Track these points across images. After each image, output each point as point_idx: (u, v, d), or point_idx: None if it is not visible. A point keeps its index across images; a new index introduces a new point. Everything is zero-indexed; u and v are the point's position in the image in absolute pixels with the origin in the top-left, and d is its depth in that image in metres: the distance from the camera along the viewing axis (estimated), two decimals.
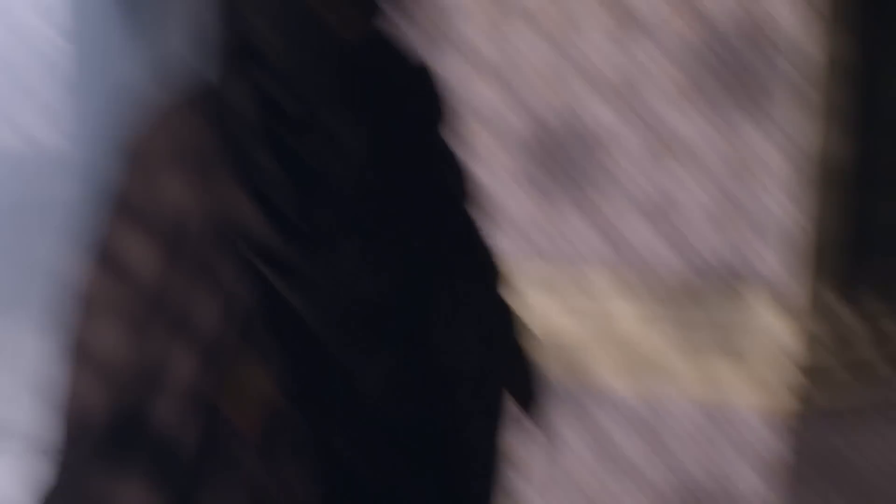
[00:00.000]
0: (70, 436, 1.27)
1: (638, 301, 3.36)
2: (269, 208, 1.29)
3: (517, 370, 1.55)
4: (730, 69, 3.23)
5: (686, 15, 3.26)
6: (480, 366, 1.44)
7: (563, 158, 3.48)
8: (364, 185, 1.35)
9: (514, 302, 1.56)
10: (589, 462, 3.45)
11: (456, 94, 3.47)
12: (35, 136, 9.75)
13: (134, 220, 1.30)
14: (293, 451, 1.29)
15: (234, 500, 1.28)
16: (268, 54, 1.32)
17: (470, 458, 1.44)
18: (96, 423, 1.26)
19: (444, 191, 1.47)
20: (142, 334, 1.27)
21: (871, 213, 3.24)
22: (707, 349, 3.27)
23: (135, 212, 1.30)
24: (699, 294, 3.27)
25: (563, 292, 3.46)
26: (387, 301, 1.35)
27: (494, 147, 3.53)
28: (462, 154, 1.52)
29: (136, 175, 1.32)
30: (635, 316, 3.38)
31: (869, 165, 3.21)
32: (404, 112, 1.42)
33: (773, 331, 3.15)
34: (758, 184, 3.18)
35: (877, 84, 3.21)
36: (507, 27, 3.50)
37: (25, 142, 9.75)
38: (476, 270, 1.49)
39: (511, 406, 1.51)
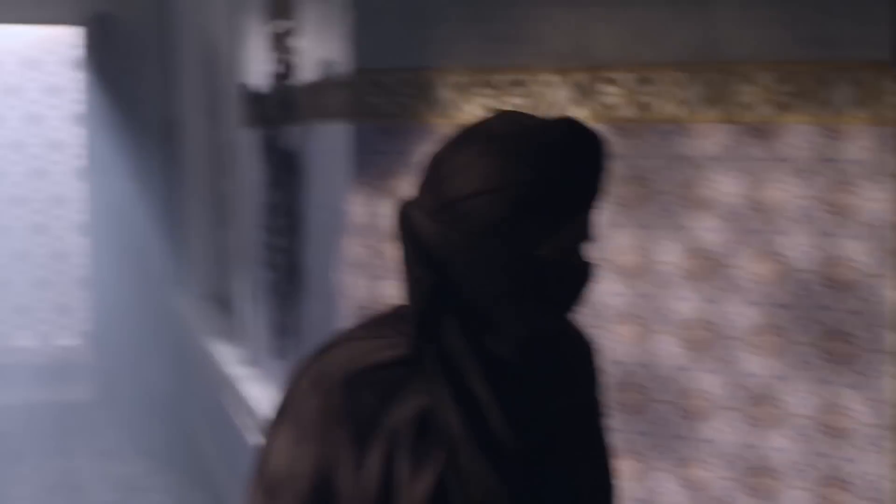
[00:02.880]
0: None
1: None
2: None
3: None
4: (813, 317, 3.29)
5: (768, 262, 3.26)
6: None
7: (647, 409, 3.37)
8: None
9: None
10: None
11: None
12: (50, 334, 9.78)
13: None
14: None
15: None
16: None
17: None
18: None
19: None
20: None
21: None
22: None
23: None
24: None
25: None
26: None
27: None
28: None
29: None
30: None
31: None
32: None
33: None
34: (846, 440, 3.05)
35: None
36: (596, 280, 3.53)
37: (41, 341, 9.77)
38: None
39: None
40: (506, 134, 1.52)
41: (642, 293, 3.49)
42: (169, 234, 8.62)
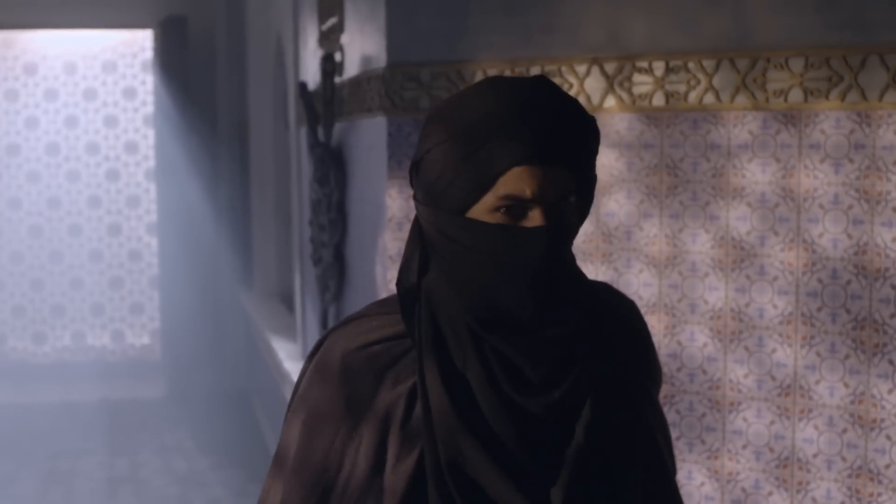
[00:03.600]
0: None
1: None
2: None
3: None
4: (844, 306, 3.24)
5: (799, 250, 3.25)
6: None
7: (676, 400, 3.44)
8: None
9: None
10: None
11: None
12: (124, 333, 9.95)
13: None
14: None
15: None
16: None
17: None
18: None
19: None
20: None
21: None
22: None
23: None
24: None
25: None
26: None
27: None
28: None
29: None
30: None
31: None
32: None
33: None
34: (876, 430, 3.00)
35: None
36: (624, 269, 3.54)
37: (115, 340, 9.94)
38: None
39: None
40: (452, 100, 1.50)
41: (671, 283, 3.46)
42: (237, 234, 8.73)
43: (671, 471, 1.65)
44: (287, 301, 7.56)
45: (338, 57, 4.66)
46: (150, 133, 9.80)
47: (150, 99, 9.72)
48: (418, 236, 1.54)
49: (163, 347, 9.19)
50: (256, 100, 8.26)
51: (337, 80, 4.71)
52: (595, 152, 1.48)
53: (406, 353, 1.54)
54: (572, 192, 1.45)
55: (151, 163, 9.83)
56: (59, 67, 10.08)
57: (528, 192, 1.41)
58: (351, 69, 4.47)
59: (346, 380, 1.54)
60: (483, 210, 1.44)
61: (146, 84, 10.02)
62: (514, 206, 1.42)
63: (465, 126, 1.43)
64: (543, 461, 1.47)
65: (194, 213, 8.61)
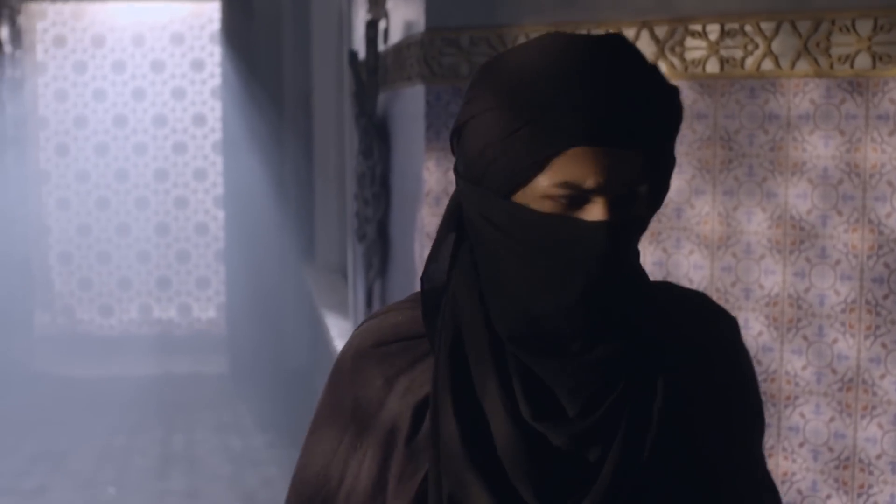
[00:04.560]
0: None
1: None
2: None
3: None
4: None
5: (864, 231, 3.00)
6: None
7: None
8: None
9: None
10: None
11: None
12: (190, 307, 9.87)
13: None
14: None
15: None
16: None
17: None
18: None
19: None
20: None
21: None
22: None
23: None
24: None
25: None
26: None
27: None
28: None
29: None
30: None
31: None
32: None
33: None
34: None
35: None
36: (674, 249, 3.29)
37: (181, 314, 9.87)
38: None
39: None
40: (509, 54, 1.24)
41: (725, 266, 3.19)
42: (301, 207, 8.58)
43: None
44: (346, 276, 7.41)
45: (384, 24, 4.44)
46: (218, 105, 9.68)
47: (218, 71, 9.59)
48: (455, 216, 1.30)
49: (228, 322, 9.09)
50: (320, 71, 8.10)
51: (383, 47, 4.49)
52: (676, 131, 1.20)
53: (425, 357, 1.32)
54: (644, 180, 1.17)
55: (218, 135, 9.71)
56: (128, 39, 10.00)
57: (589, 180, 1.15)
58: (395, 36, 4.25)
59: (355, 382, 1.35)
60: (533, 195, 1.18)
61: (214, 56, 9.90)
62: (573, 195, 1.16)
63: (517, 91, 1.17)
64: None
65: (260, 187, 8.47)
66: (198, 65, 10.05)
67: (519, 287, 1.21)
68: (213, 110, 9.93)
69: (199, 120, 10.11)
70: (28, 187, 9.27)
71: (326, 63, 7.91)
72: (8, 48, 8.73)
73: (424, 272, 1.31)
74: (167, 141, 10.08)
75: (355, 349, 1.36)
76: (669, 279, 3.22)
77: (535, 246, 1.18)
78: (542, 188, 1.16)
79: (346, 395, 1.35)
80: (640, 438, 1.20)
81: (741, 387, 1.36)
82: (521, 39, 3.43)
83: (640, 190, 1.17)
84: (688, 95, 3.21)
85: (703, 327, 1.36)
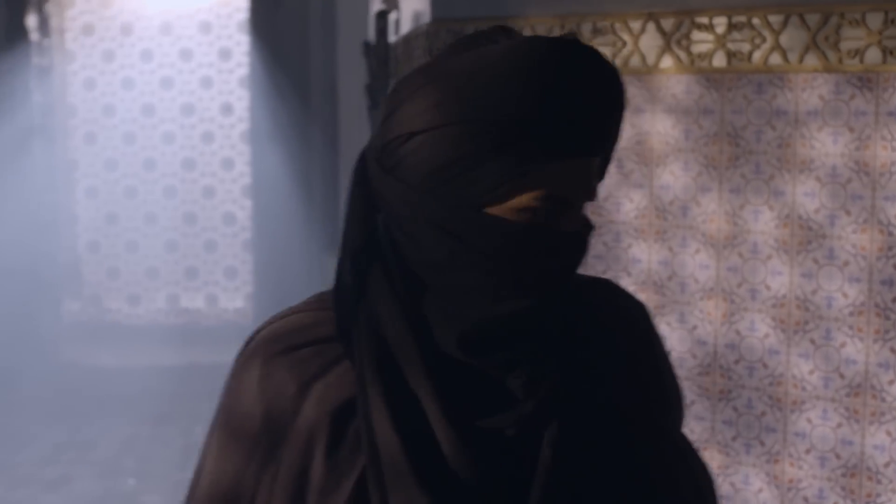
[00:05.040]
0: None
1: None
2: None
3: None
4: None
5: (873, 232, 2.91)
6: None
7: (733, 396, 3.10)
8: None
9: None
10: None
11: None
12: (217, 297, 9.88)
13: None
14: None
15: None
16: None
17: None
18: None
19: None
20: None
21: None
22: None
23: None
24: None
25: None
26: None
27: None
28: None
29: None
30: None
31: None
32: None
33: None
34: None
35: None
36: (679, 248, 3.19)
37: (209, 304, 9.88)
38: None
39: None
40: (457, 59, 1.19)
41: (731, 265, 3.10)
42: (328, 197, 8.54)
43: None
44: None
45: (395, 15, 4.38)
46: (245, 95, 9.65)
47: (246, 60, 9.56)
48: (367, 217, 1.25)
49: (255, 312, 9.07)
50: (346, 62, 8.05)
51: (394, 38, 4.43)
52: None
53: (339, 361, 1.26)
54: (598, 182, 1.23)
55: (246, 125, 9.68)
56: (155, 28, 9.99)
57: (568, 191, 1.17)
58: (405, 27, 4.19)
59: (265, 391, 1.28)
60: (509, 207, 1.17)
61: (241, 45, 9.87)
62: (550, 206, 1.17)
63: (490, 105, 1.14)
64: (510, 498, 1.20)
65: (287, 176, 8.44)
66: (225, 54, 10.03)
67: (481, 294, 1.18)
68: (241, 100, 9.90)
69: (227, 109, 10.08)
70: (56, 176, 9.28)
71: (352, 53, 7.86)
72: (35, 36, 8.74)
73: (338, 283, 1.25)
74: (195, 130, 10.06)
75: (263, 355, 1.29)
76: (675, 279, 3.14)
77: (509, 256, 1.16)
78: (520, 200, 1.15)
79: (256, 406, 1.27)
80: (577, 432, 1.22)
81: (652, 368, 1.37)
82: (527, 31, 3.36)
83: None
84: (694, 90, 3.12)
85: (616, 314, 1.37)
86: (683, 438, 1.36)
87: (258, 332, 1.34)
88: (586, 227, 1.22)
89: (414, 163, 1.18)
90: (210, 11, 9.97)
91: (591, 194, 1.19)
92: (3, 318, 8.07)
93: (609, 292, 1.41)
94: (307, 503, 1.23)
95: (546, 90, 1.13)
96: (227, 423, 1.30)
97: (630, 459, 1.26)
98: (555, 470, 1.19)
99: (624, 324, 1.38)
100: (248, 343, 1.34)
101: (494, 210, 1.16)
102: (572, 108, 1.13)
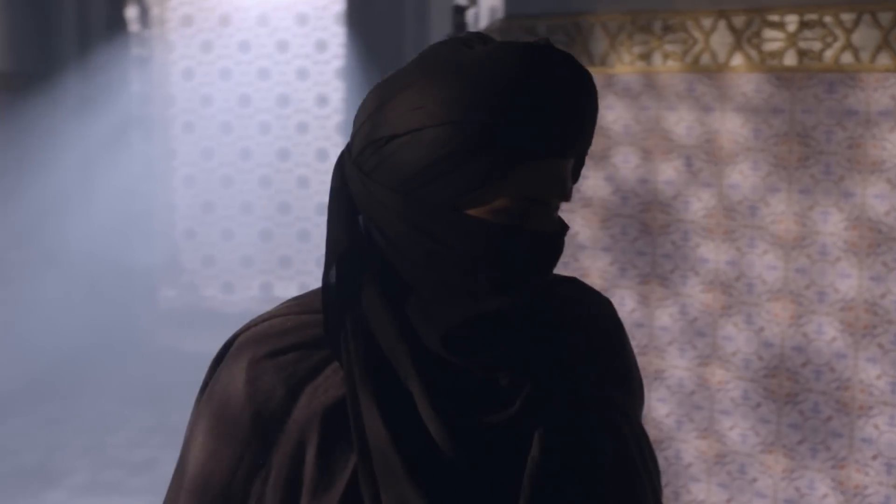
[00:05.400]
0: None
1: None
2: None
3: None
4: None
5: None
6: None
7: (799, 399, 3.03)
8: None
9: None
10: None
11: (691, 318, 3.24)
12: (272, 286, 9.97)
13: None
14: None
15: None
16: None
17: None
18: None
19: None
20: None
21: None
22: None
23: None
24: None
25: None
26: None
27: (730, 382, 3.14)
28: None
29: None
30: None
31: None
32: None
33: None
34: None
35: None
36: (747, 249, 3.17)
37: (264, 292, 9.97)
38: None
39: None
40: (435, 63, 1.20)
41: (799, 267, 3.06)
42: None
43: (650, 499, 1.35)
44: None
45: (474, 11, 4.39)
46: (341, 86, 9.73)
47: (342, 52, 9.63)
48: (351, 219, 1.27)
49: None
50: None
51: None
52: None
53: (326, 364, 1.28)
54: (573, 182, 1.25)
55: (341, 117, 9.77)
56: (253, 19, 10.11)
57: (546, 192, 1.19)
58: (483, 22, 4.19)
59: (254, 395, 1.28)
60: (489, 208, 1.19)
61: (337, 37, 9.94)
62: (528, 206, 1.19)
63: (471, 106, 1.16)
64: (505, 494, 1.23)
65: None
66: (321, 45, 10.11)
67: (458, 293, 1.21)
68: (336, 91, 9.98)
69: (322, 101, 10.17)
70: (154, 165, 9.46)
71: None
72: (135, 27, 8.91)
73: (325, 286, 1.27)
74: (290, 121, 10.16)
75: (248, 359, 1.29)
76: (742, 279, 3.11)
77: (489, 256, 1.19)
78: (499, 202, 1.18)
79: (244, 410, 1.27)
80: (557, 422, 1.25)
81: (615, 358, 1.40)
82: (597, 28, 3.34)
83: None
84: (764, 89, 3.08)
85: (587, 311, 1.40)
86: (643, 428, 1.40)
87: (237, 335, 1.34)
88: (562, 228, 1.24)
89: (392, 165, 1.20)
90: (307, 3, 10.06)
91: (566, 195, 1.21)
92: (100, 304, 8.25)
93: (577, 290, 1.43)
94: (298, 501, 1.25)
95: (520, 94, 1.15)
96: (215, 426, 1.30)
97: (609, 451, 1.29)
98: (544, 465, 1.22)
99: (594, 320, 1.40)
100: (227, 346, 1.34)
101: (472, 211, 1.19)
102: (546, 112, 1.15)
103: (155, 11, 9.77)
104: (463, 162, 1.16)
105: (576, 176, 1.26)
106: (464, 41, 1.22)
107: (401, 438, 1.19)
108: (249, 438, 1.27)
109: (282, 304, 1.36)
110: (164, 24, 10.07)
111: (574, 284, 1.43)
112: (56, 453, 6.14)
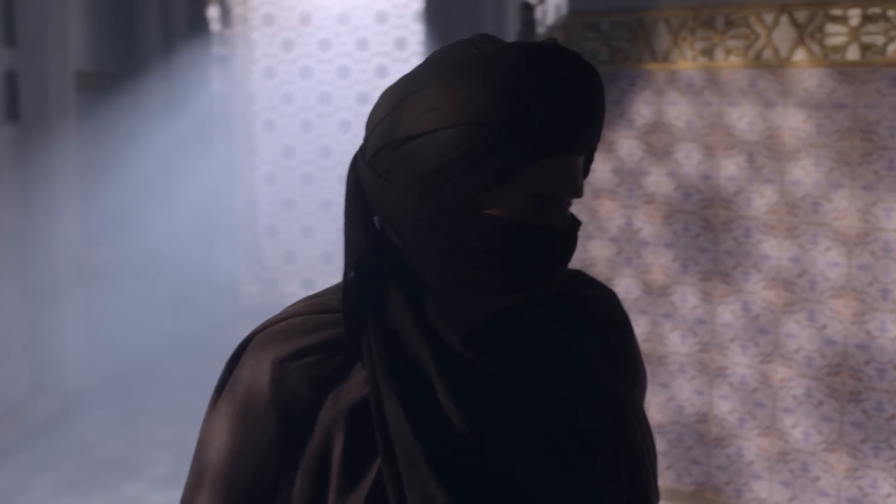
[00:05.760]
0: None
1: None
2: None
3: None
4: None
5: None
6: None
7: (863, 398, 3.04)
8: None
9: None
10: None
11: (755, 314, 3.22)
12: (314, 282, 10.02)
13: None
14: None
15: None
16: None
17: None
18: None
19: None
20: None
21: None
22: None
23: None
24: None
25: None
26: None
27: (792, 379, 3.11)
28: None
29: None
30: None
31: None
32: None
33: None
34: None
35: None
36: (809, 245, 3.15)
37: (307, 289, 10.03)
38: None
39: None
40: (446, 66, 1.22)
41: (862, 264, 3.02)
42: None
43: (654, 484, 1.37)
44: None
45: (542, 8, 4.40)
46: None
47: (420, 50, 9.69)
48: (368, 221, 1.28)
49: None
50: None
51: (541, 31, 4.44)
52: None
53: (349, 363, 1.28)
54: (584, 178, 1.26)
55: None
56: (333, 18, 10.19)
57: (559, 189, 1.20)
58: (550, 19, 4.20)
59: (279, 396, 1.28)
60: (503, 206, 1.21)
61: (416, 35, 9.99)
62: (541, 204, 1.21)
63: (485, 107, 1.18)
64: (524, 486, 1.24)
65: None
66: (400, 43, 10.17)
67: (474, 290, 1.22)
68: None
69: None
70: (235, 162, 9.59)
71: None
72: (216, 27, 9.04)
73: (344, 278, 1.28)
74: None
75: (272, 360, 1.29)
76: (805, 276, 3.08)
77: (504, 253, 1.20)
78: (514, 199, 1.19)
79: (270, 411, 1.28)
80: (569, 410, 1.27)
81: (623, 349, 1.41)
82: (660, 24, 3.33)
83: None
84: (826, 84, 3.05)
85: (595, 303, 1.41)
86: (646, 417, 1.41)
87: (255, 334, 1.34)
88: (574, 223, 1.25)
89: (408, 166, 1.22)
90: (386, 2, 10.12)
91: (577, 191, 1.22)
92: (181, 301, 8.39)
93: (584, 283, 1.44)
94: (327, 503, 1.26)
95: (530, 95, 1.16)
96: (240, 427, 1.31)
97: (620, 444, 1.31)
98: (563, 460, 1.23)
99: (603, 314, 1.42)
100: (244, 346, 1.34)
101: (486, 209, 1.20)
102: (557, 111, 1.17)
103: (237, 11, 9.90)
104: (477, 162, 1.18)
105: (586, 171, 1.28)
106: (472, 42, 1.24)
107: (425, 436, 1.21)
108: (276, 439, 1.28)
109: (296, 303, 1.36)
110: (246, 23, 10.20)
111: (580, 278, 1.45)
112: (136, 446, 6.26)
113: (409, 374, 1.24)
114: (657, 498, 1.40)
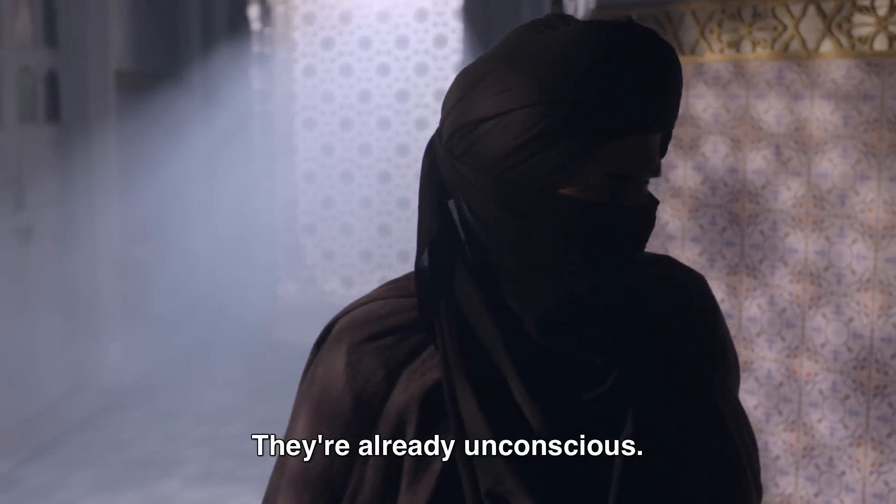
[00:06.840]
0: None
1: None
2: None
3: None
4: None
5: None
6: None
7: (889, 392, 3.06)
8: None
9: None
10: None
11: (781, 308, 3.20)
12: (353, 280, 10.03)
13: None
14: None
15: None
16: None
17: None
18: None
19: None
20: None
21: None
22: None
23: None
24: None
25: None
26: None
27: (819, 373, 3.12)
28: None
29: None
30: None
31: None
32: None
33: None
34: None
35: None
36: (836, 238, 3.12)
37: (346, 287, 10.03)
38: None
39: None
40: (520, 46, 1.22)
41: (889, 257, 2.99)
42: None
43: (750, 478, 1.35)
44: None
45: (572, 4, 4.39)
46: None
47: (460, 47, 9.69)
48: (441, 202, 1.28)
49: None
50: None
51: None
52: None
53: (423, 347, 1.30)
54: (660, 157, 1.25)
55: None
56: (373, 16, 10.22)
57: (636, 168, 1.20)
58: (580, 13, 4.19)
59: (354, 378, 1.31)
60: (579, 185, 1.20)
61: (456, 32, 10.00)
62: (617, 183, 1.20)
63: (558, 86, 1.17)
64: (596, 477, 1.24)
65: None
66: (440, 41, 10.17)
67: (551, 272, 1.21)
68: None
69: (441, 96, 10.23)
70: (274, 160, 9.63)
71: None
72: (256, 25, 9.09)
73: (417, 263, 1.28)
74: (409, 116, 10.25)
75: (348, 343, 1.31)
76: (832, 269, 3.05)
77: (581, 233, 1.19)
78: (590, 179, 1.18)
79: (345, 393, 1.30)
80: (652, 402, 1.24)
81: (710, 335, 1.39)
82: (687, 17, 3.31)
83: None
84: (854, 75, 3.02)
85: (680, 289, 1.39)
86: (741, 407, 1.38)
87: (336, 319, 1.37)
88: (652, 202, 1.24)
89: (484, 148, 1.22)
90: None
91: (654, 170, 1.21)
92: (221, 298, 8.43)
93: (671, 268, 1.43)
94: (399, 485, 1.27)
95: (606, 73, 1.15)
96: (317, 409, 1.33)
97: (706, 432, 1.29)
98: (637, 446, 1.22)
99: (689, 298, 1.40)
100: (327, 331, 1.37)
101: (563, 190, 1.20)
102: (632, 89, 1.16)
103: (278, 10, 9.95)
104: (552, 142, 1.17)
105: (663, 150, 1.27)
106: (546, 23, 1.24)
107: (495, 421, 1.21)
108: (350, 420, 1.29)
109: (378, 287, 1.38)
110: (287, 21, 10.25)
111: (668, 263, 1.43)
112: (171, 444, 6.30)
113: (481, 358, 1.24)
114: (759, 496, 1.37)
